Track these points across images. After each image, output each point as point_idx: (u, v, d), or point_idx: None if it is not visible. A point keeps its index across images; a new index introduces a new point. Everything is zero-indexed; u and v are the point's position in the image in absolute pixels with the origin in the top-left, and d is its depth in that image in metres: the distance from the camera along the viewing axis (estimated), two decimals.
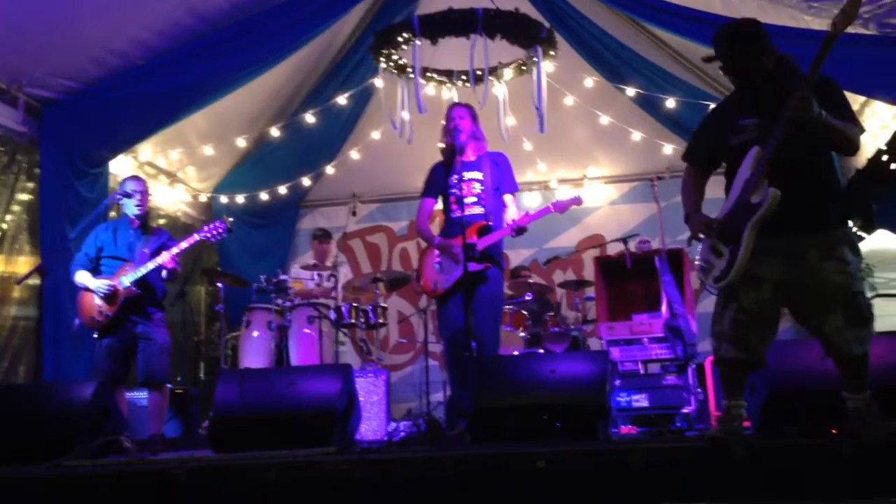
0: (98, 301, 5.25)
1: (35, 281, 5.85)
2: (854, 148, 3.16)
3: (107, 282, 5.23)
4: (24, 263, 6.04)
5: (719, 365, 3.29)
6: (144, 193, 5.51)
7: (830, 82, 3.21)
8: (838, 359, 3.12)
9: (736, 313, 3.20)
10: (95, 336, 5.34)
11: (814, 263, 3.07)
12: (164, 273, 5.31)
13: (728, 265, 3.22)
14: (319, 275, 7.35)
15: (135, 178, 5.71)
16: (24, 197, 6.21)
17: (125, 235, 5.44)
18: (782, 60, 3.27)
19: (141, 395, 6.06)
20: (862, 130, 3.21)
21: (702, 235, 3.36)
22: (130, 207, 5.45)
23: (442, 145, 5.17)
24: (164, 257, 5.20)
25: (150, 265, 5.22)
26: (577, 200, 5.21)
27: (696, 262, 3.45)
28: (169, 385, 5.56)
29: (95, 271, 5.35)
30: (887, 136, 7.05)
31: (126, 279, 5.23)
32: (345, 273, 7.64)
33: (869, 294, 8.61)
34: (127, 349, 5.30)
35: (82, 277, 5.31)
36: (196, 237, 5.41)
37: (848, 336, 3.04)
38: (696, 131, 3.59)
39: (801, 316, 3.22)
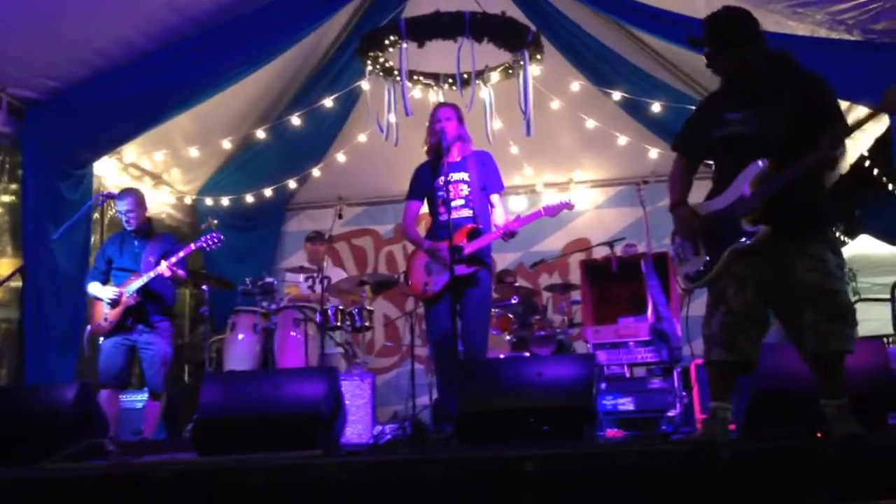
0: (105, 309, 5.44)
1: (17, 283, 5.81)
2: (838, 164, 3.18)
3: (114, 289, 5.42)
4: (5, 265, 5.99)
5: (710, 368, 3.30)
6: (133, 211, 5.59)
7: (821, 84, 3.19)
8: (813, 356, 3.10)
9: (724, 316, 3.21)
10: (101, 342, 5.50)
11: (789, 261, 3.09)
12: (169, 280, 5.48)
13: (702, 272, 3.25)
14: (312, 277, 7.32)
15: (122, 194, 5.72)
16: (7, 198, 6.16)
17: (130, 247, 5.60)
18: (777, 57, 3.27)
19: (131, 398, 6.12)
20: (847, 134, 3.22)
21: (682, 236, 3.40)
22: (124, 223, 5.62)
23: (427, 147, 5.15)
24: (162, 267, 5.36)
25: (151, 274, 5.38)
26: (568, 205, 5.20)
27: (671, 248, 3.48)
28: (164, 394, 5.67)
29: (107, 283, 5.56)
30: (870, 142, 7.10)
31: (130, 288, 5.40)
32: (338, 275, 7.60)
33: (852, 298, 8.71)
34: (129, 353, 5.48)
35: (93, 288, 5.52)
36: (192, 246, 5.57)
37: (824, 331, 3.02)
38: (686, 122, 3.61)
39: (779, 315, 3.24)
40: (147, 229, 5.67)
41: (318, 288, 7.12)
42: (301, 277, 7.35)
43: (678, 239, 3.44)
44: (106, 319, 5.42)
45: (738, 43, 3.21)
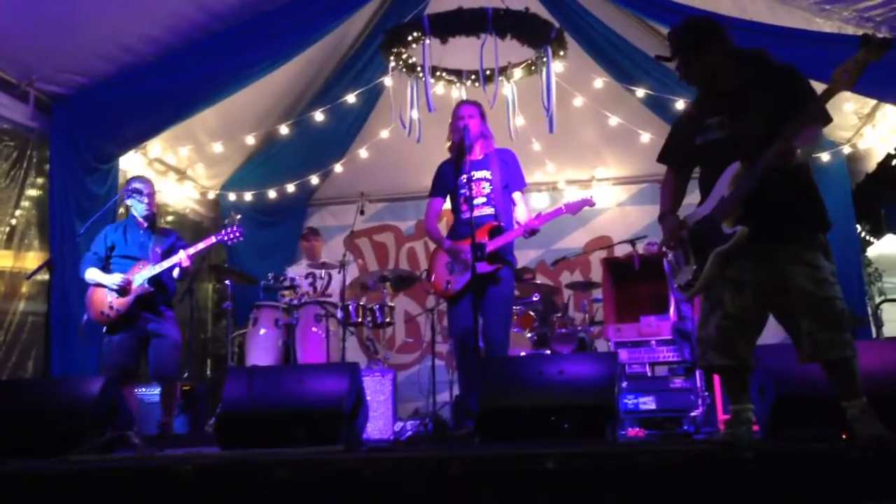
0: (110, 296, 5.29)
1: (44, 276, 5.87)
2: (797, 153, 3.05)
3: (121, 276, 5.27)
4: (33, 259, 6.06)
5: (704, 371, 3.30)
6: (152, 195, 5.58)
7: (790, 74, 3.15)
8: (811, 360, 3.07)
9: (721, 319, 3.21)
10: (105, 331, 5.38)
11: (783, 267, 3.06)
12: (176, 272, 5.38)
13: (693, 279, 3.26)
14: (313, 274, 7.34)
15: (141, 179, 5.73)
16: (34, 192, 6.22)
17: (135, 235, 5.51)
18: (748, 56, 3.25)
19: (149, 392, 6.11)
20: (828, 122, 3.14)
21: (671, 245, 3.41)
22: (139, 208, 5.52)
23: (450, 143, 5.15)
24: (181, 256, 5.28)
25: (166, 264, 5.30)
26: (590, 202, 5.18)
27: (666, 260, 3.48)
28: (178, 381, 5.60)
29: (106, 270, 5.40)
30: None
31: (140, 276, 5.28)
32: (352, 271, 7.62)
33: (878, 299, 8.62)
34: (138, 345, 5.36)
35: (93, 274, 5.35)
36: (213, 239, 5.52)
37: (820, 339, 2.99)
38: (669, 132, 3.62)
39: (778, 320, 3.21)
40: (154, 221, 5.63)
41: (319, 285, 7.15)
42: (303, 274, 7.36)
43: (671, 250, 3.43)
44: (111, 307, 5.27)
45: (701, 51, 3.22)
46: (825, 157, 7.49)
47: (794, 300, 3.05)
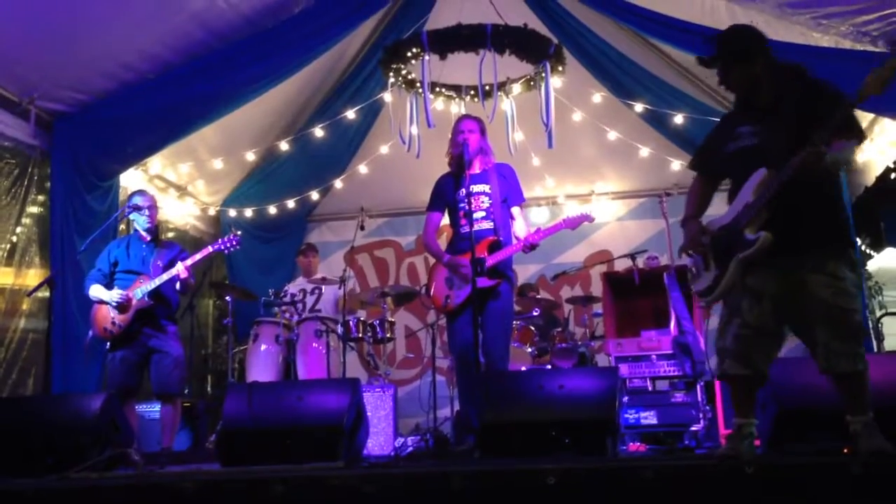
0: (112, 312, 5.31)
1: (44, 293, 5.86)
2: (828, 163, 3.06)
3: (120, 292, 5.28)
4: (33, 276, 6.06)
5: (724, 381, 3.28)
6: (153, 208, 5.60)
7: (825, 89, 3.16)
8: (831, 375, 3.07)
9: (739, 328, 3.19)
10: (108, 347, 5.40)
11: (803, 277, 3.06)
12: (178, 285, 5.37)
13: (713, 284, 3.25)
14: (304, 290, 7.34)
15: (143, 192, 5.76)
16: (35, 210, 6.24)
17: (138, 249, 5.52)
18: (786, 69, 3.27)
19: (151, 409, 6.09)
20: (861, 139, 3.17)
21: (690, 253, 3.41)
22: (140, 222, 5.54)
23: (449, 157, 5.17)
24: (179, 268, 5.28)
25: (165, 276, 5.30)
26: (589, 217, 5.20)
27: (688, 263, 3.48)
28: (181, 398, 5.58)
29: (110, 286, 5.42)
30: None
31: (140, 290, 5.30)
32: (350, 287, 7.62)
33: (878, 312, 8.61)
34: (140, 361, 5.36)
35: (96, 291, 5.37)
36: (210, 249, 5.53)
37: (836, 350, 2.99)
38: (704, 139, 3.64)
39: (795, 330, 3.21)
40: (156, 234, 5.65)
41: (309, 301, 7.14)
42: (295, 290, 7.35)
43: (692, 255, 3.43)
44: (113, 323, 5.28)
45: (745, 59, 3.24)
46: None
47: (812, 309, 3.04)
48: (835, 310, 3.00)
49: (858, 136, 3.15)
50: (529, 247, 4.89)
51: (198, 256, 5.43)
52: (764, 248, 3.06)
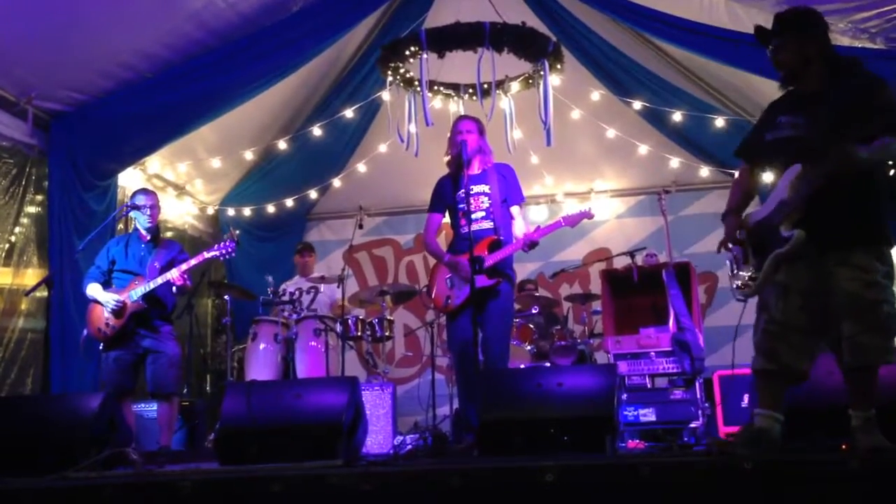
0: (106, 314, 5.30)
1: (43, 293, 5.86)
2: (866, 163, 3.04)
3: (115, 297, 5.27)
4: (32, 275, 6.06)
5: (755, 377, 3.27)
6: (155, 207, 5.57)
7: (876, 84, 3.10)
8: (851, 367, 3.04)
9: (766, 324, 3.18)
10: (101, 348, 5.37)
11: (831, 269, 3.04)
12: (174, 288, 5.36)
13: (750, 280, 3.23)
14: (299, 289, 7.33)
15: (145, 191, 5.74)
16: (33, 209, 6.23)
17: (136, 249, 5.49)
18: (841, 61, 3.22)
19: (148, 408, 6.08)
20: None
21: (730, 246, 3.37)
22: (141, 221, 5.52)
23: (448, 158, 5.16)
24: (173, 273, 5.25)
25: (159, 280, 5.27)
26: (588, 214, 5.19)
27: (727, 257, 3.45)
28: (177, 397, 5.56)
29: (107, 284, 5.41)
30: None
31: (135, 293, 5.27)
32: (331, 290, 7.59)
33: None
34: (135, 362, 5.34)
35: (93, 290, 5.36)
36: (206, 255, 5.48)
37: (863, 343, 2.96)
38: (751, 127, 3.61)
39: (822, 324, 3.15)
40: (156, 234, 5.63)
41: (305, 301, 7.13)
42: (291, 289, 7.35)
43: (733, 248, 3.40)
44: (108, 324, 5.26)
45: (802, 32, 3.20)
46: None
47: (839, 302, 3.01)
48: (863, 302, 2.97)
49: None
50: (529, 245, 4.88)
51: (193, 262, 5.38)
52: (798, 246, 3.04)
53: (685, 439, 5.54)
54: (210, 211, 8.64)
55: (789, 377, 3.20)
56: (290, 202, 8.63)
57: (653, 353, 5.98)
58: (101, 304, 5.31)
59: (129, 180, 7.09)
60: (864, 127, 2.93)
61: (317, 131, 7.65)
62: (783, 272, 3.13)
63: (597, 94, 7.47)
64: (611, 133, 7.86)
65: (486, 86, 6.18)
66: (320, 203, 9.26)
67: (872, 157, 3.01)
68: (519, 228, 5.06)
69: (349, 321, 6.61)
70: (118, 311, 5.26)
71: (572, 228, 5.34)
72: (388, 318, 6.86)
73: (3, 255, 5.93)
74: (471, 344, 4.58)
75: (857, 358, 2.99)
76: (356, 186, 8.74)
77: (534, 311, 7.25)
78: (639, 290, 6.51)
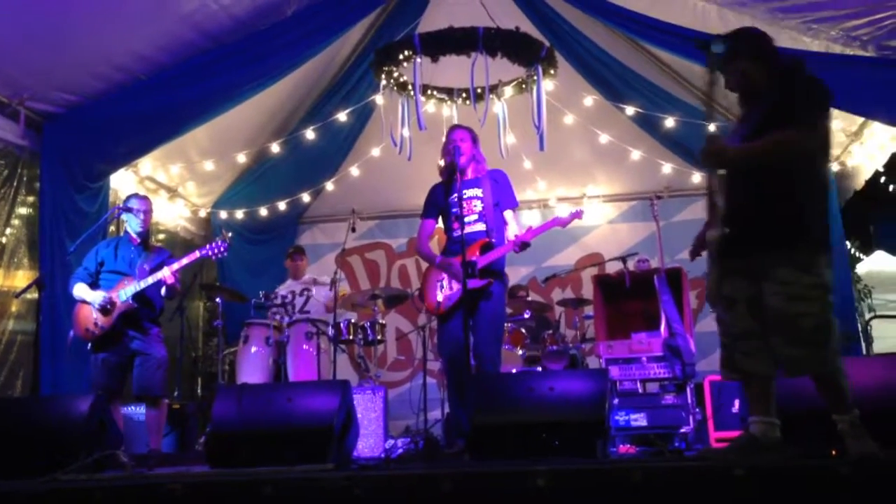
0: (94, 314, 5.26)
1: (33, 295, 5.82)
2: (793, 152, 3.03)
3: (104, 294, 5.24)
4: (22, 277, 6.04)
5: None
6: (148, 213, 5.57)
7: (799, 84, 3.12)
8: (788, 377, 3.11)
9: (722, 336, 3.27)
10: (89, 349, 5.34)
11: (760, 285, 3.10)
12: (163, 290, 5.34)
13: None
14: (292, 292, 7.33)
15: (140, 196, 5.73)
16: (24, 211, 6.21)
17: (126, 251, 5.47)
18: (784, 67, 3.24)
19: (138, 410, 6.05)
20: (809, 127, 3.03)
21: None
22: (133, 224, 5.50)
23: (442, 164, 5.17)
24: (165, 272, 5.24)
25: (150, 279, 5.25)
26: (578, 214, 5.25)
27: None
28: (165, 400, 5.53)
29: (94, 286, 5.37)
30: (885, 158, 7.07)
31: (124, 293, 5.25)
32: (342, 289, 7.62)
33: (868, 315, 8.65)
34: (123, 363, 5.31)
35: (80, 290, 5.33)
36: (197, 254, 5.48)
37: (791, 356, 3.01)
38: None
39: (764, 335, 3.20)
40: (146, 239, 5.61)
41: (298, 303, 7.13)
42: (285, 292, 7.34)
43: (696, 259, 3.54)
44: (96, 324, 5.22)
45: (742, 55, 3.25)
46: None
47: (766, 315, 3.08)
48: (783, 316, 3.02)
49: (801, 126, 3.02)
50: (521, 245, 4.90)
51: (185, 261, 5.38)
52: (714, 244, 3.15)
53: (676, 444, 5.54)
54: (202, 213, 8.62)
55: (759, 382, 3.21)
56: (282, 205, 8.63)
57: (644, 359, 5.99)
58: (89, 304, 5.28)
59: (122, 182, 7.08)
60: (775, 125, 2.99)
61: (310, 134, 7.66)
62: (727, 285, 3.20)
63: (590, 100, 7.50)
64: (604, 138, 7.89)
65: (479, 90, 6.18)
66: (313, 206, 9.25)
67: (753, 153, 3.06)
68: (512, 233, 5.07)
69: (341, 324, 6.61)
70: (106, 309, 5.23)
71: (563, 229, 5.37)
72: (381, 321, 6.86)
73: None
74: (461, 348, 4.58)
75: (788, 370, 3.06)
76: (349, 190, 8.74)
77: (526, 316, 7.26)
78: (631, 296, 6.53)
